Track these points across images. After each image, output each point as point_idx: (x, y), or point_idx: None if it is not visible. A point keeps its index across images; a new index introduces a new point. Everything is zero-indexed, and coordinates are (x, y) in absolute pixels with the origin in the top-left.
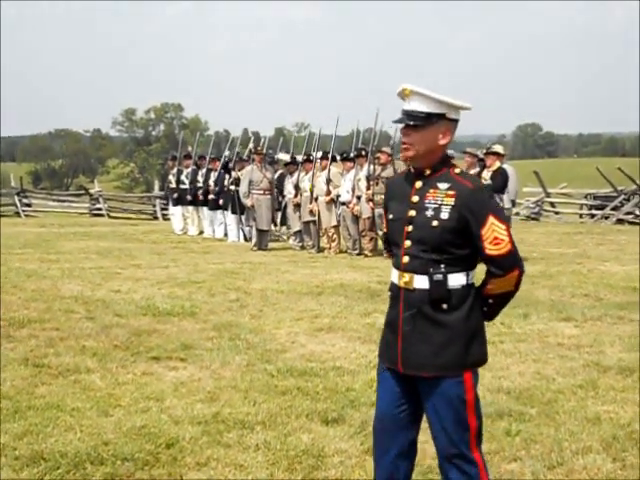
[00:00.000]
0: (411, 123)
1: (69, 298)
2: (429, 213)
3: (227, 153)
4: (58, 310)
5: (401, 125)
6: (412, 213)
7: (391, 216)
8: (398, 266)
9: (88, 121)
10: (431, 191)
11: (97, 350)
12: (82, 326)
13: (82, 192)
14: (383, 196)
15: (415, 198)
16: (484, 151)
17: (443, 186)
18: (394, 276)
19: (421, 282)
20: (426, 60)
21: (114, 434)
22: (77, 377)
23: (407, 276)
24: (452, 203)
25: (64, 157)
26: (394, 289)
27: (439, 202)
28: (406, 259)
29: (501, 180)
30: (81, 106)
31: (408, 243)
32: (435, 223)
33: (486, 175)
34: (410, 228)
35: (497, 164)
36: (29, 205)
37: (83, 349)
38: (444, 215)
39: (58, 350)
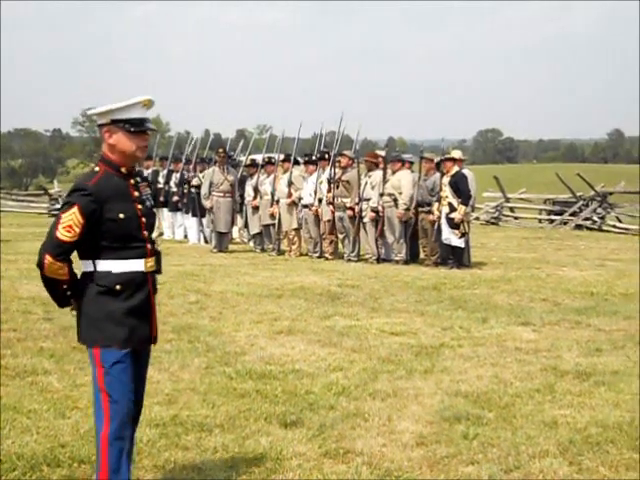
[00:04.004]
0: (155, 129)
1: (27, 299)
2: (148, 203)
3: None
4: (16, 311)
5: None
6: (140, 206)
7: (122, 215)
8: (143, 255)
9: (48, 120)
10: (140, 185)
11: (55, 351)
12: (40, 327)
13: (41, 192)
14: (342, 199)
15: (136, 193)
16: (440, 157)
17: (137, 179)
18: (135, 266)
19: (157, 262)
20: (390, 66)
21: (71, 436)
22: (34, 379)
23: (152, 260)
24: (149, 192)
25: (24, 157)
26: (137, 278)
27: (147, 193)
28: (149, 246)
29: (466, 185)
30: (41, 105)
31: (146, 233)
32: (154, 210)
33: (445, 180)
34: (144, 220)
35: (455, 169)
36: None
37: (41, 350)
38: (151, 202)
39: (15, 351)
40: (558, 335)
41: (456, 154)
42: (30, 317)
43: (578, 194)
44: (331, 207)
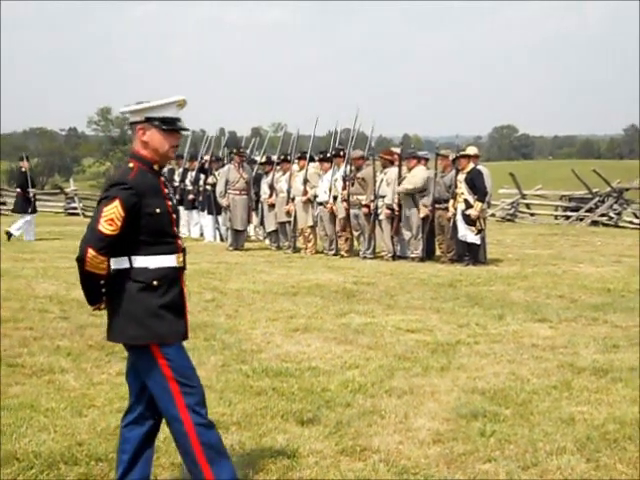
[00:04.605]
0: (187, 129)
1: (43, 297)
2: (175, 201)
3: (205, 157)
4: (32, 310)
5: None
6: (170, 203)
7: (158, 210)
8: (175, 250)
9: (64, 119)
10: (166, 183)
11: (71, 350)
12: (56, 326)
13: (57, 191)
14: (358, 197)
15: (166, 190)
16: (456, 154)
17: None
18: (168, 261)
19: (184, 258)
20: (403, 62)
21: (88, 434)
22: (51, 377)
23: (182, 256)
24: (171, 190)
25: (39, 156)
26: (171, 273)
27: (170, 190)
28: (179, 242)
29: (482, 181)
30: (57, 104)
31: (176, 229)
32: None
33: (461, 177)
34: (174, 216)
35: (470, 165)
36: (4, 204)
37: (57, 349)
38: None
39: (32, 350)
40: (575, 332)
41: (471, 150)
42: (47, 316)
43: (594, 190)
44: (345, 204)
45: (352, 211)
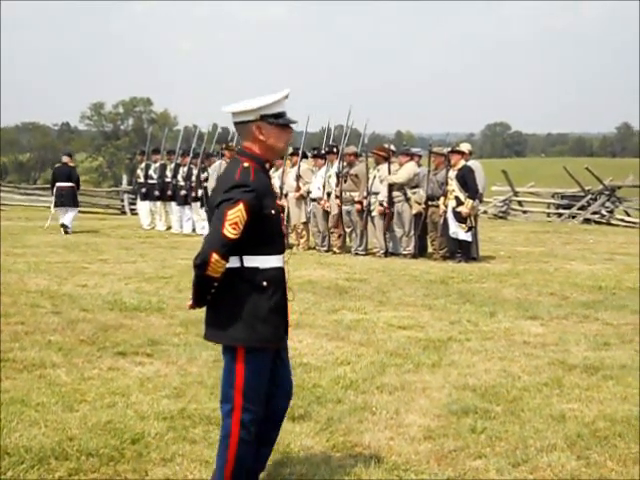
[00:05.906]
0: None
1: (35, 292)
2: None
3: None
4: (24, 304)
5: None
6: (278, 202)
7: (273, 211)
8: (282, 250)
9: (56, 114)
10: (270, 181)
11: (63, 345)
12: (48, 321)
13: (49, 186)
14: (350, 193)
15: (275, 189)
16: (449, 149)
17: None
18: (276, 262)
19: None
20: (395, 59)
21: (79, 429)
22: (42, 372)
23: (285, 255)
24: None
25: (32, 150)
26: (279, 274)
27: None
28: (285, 240)
29: (473, 179)
30: (49, 99)
31: (283, 229)
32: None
33: (452, 174)
34: (282, 215)
35: (462, 162)
36: None
37: (49, 344)
38: None
39: (23, 344)
40: (566, 329)
41: (465, 147)
42: (38, 310)
43: (586, 188)
44: (337, 201)
45: (344, 208)
